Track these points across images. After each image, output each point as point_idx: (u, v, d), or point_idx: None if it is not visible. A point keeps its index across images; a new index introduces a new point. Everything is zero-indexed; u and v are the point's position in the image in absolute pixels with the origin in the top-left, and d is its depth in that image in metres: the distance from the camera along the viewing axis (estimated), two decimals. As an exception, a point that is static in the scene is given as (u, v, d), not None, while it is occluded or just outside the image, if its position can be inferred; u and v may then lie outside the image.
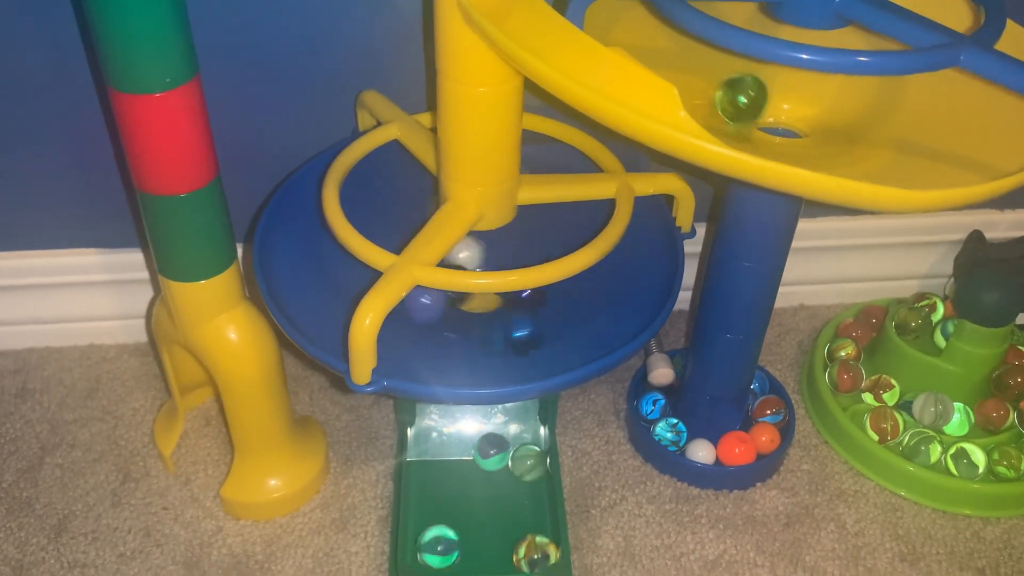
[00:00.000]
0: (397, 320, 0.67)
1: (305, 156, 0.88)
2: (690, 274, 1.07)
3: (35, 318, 1.01)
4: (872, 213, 1.03)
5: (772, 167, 0.53)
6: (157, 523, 0.86)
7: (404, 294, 0.66)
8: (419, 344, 0.72)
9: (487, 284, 0.67)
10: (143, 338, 1.03)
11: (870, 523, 0.88)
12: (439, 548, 0.79)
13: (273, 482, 0.86)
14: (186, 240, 0.73)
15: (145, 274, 0.99)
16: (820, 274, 1.09)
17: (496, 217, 0.73)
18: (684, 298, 1.09)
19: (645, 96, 0.55)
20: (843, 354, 0.99)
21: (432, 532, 0.79)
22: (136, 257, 0.98)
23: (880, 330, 0.99)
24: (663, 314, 0.74)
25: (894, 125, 0.71)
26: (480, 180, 0.71)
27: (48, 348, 1.03)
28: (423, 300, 0.73)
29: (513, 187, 0.73)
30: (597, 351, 0.71)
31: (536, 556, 0.79)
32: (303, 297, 0.76)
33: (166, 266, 0.75)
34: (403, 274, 0.66)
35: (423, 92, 0.88)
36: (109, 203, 0.94)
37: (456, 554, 0.79)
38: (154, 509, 0.87)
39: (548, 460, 0.87)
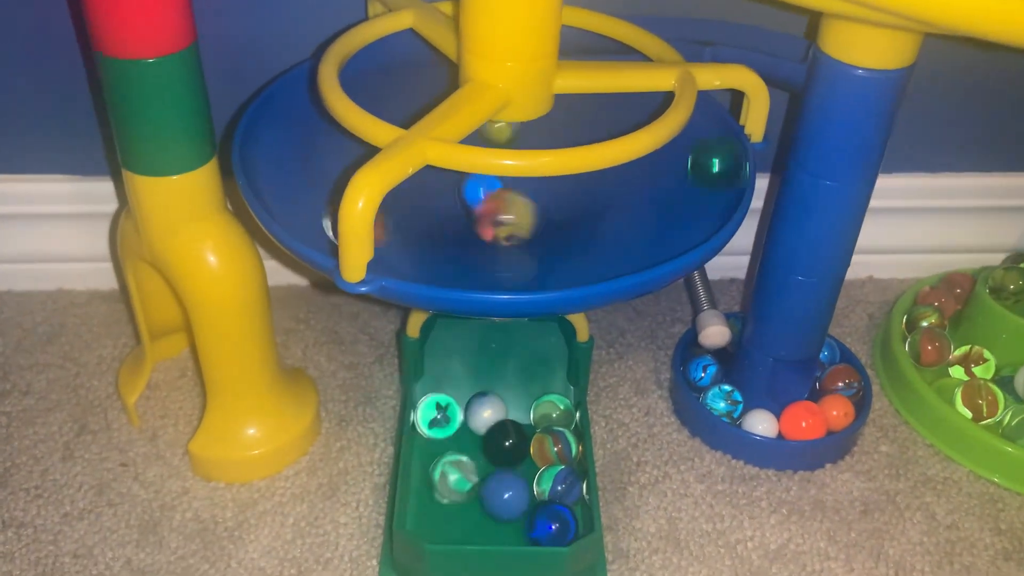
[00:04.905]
0: (400, 212, 0.54)
1: (303, 54, 0.76)
2: (747, 236, 0.93)
3: (-4, 255, 0.88)
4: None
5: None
6: (113, 480, 0.73)
7: (410, 172, 0.52)
8: (426, 242, 0.59)
9: (516, 167, 0.54)
10: (117, 284, 0.91)
11: (965, 514, 0.73)
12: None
13: (250, 437, 0.72)
14: (154, 120, 0.60)
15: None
16: (891, 243, 0.95)
17: (527, 105, 0.60)
18: (739, 264, 0.95)
19: None
20: (926, 324, 0.84)
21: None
22: (111, 188, 0.86)
23: (968, 300, 0.85)
24: (727, 230, 0.60)
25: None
26: (509, 53, 0.58)
27: (10, 292, 0.90)
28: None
29: (549, 68, 0.60)
30: (642, 264, 0.58)
31: (558, 448, 0.71)
32: (290, 195, 0.64)
33: (130, 155, 0.62)
34: (411, 147, 0.53)
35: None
36: (82, 122, 0.81)
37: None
38: (110, 465, 0.74)
39: (579, 417, 0.73)
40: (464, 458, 0.70)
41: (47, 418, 0.77)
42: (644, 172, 0.66)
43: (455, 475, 0.68)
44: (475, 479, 0.69)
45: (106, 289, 0.91)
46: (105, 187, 0.85)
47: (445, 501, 0.70)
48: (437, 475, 0.69)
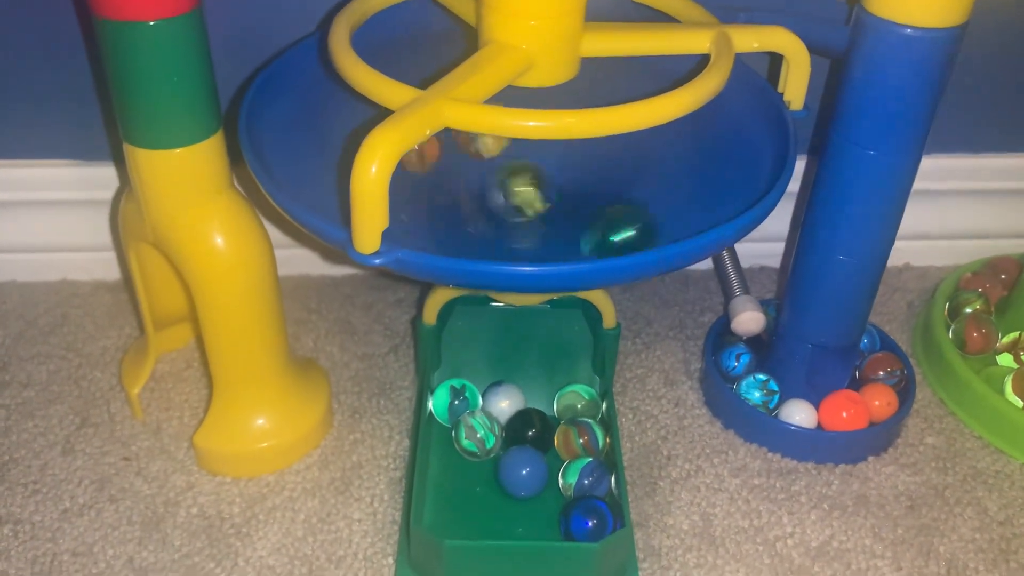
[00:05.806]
0: (416, 180, 0.51)
1: (312, 24, 0.72)
2: (781, 220, 0.89)
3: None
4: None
5: None
6: (115, 475, 0.69)
7: (427, 134, 0.49)
8: (445, 214, 0.55)
9: (539, 128, 0.50)
10: (121, 274, 0.87)
11: (1019, 509, 0.68)
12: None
13: (259, 429, 0.69)
14: (155, 88, 0.57)
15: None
16: (929, 228, 0.91)
17: (551, 69, 0.57)
18: (771, 252, 0.91)
19: None
20: (970, 310, 0.80)
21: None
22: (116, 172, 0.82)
23: (1015, 285, 0.80)
24: (767, 202, 0.56)
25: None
26: (533, 10, 0.54)
27: (13, 283, 0.87)
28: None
29: (575, 28, 0.56)
30: (673, 238, 0.54)
31: (584, 439, 0.66)
32: (299, 166, 0.60)
33: (131, 127, 0.59)
34: (428, 107, 0.49)
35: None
36: (87, 102, 0.78)
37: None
38: (112, 459, 0.70)
39: (605, 407, 0.69)
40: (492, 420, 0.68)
41: (47, 411, 0.74)
42: (676, 141, 0.62)
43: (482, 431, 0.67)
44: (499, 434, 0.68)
45: (111, 279, 0.87)
46: (112, 173, 0.82)
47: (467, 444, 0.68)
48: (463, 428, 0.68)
